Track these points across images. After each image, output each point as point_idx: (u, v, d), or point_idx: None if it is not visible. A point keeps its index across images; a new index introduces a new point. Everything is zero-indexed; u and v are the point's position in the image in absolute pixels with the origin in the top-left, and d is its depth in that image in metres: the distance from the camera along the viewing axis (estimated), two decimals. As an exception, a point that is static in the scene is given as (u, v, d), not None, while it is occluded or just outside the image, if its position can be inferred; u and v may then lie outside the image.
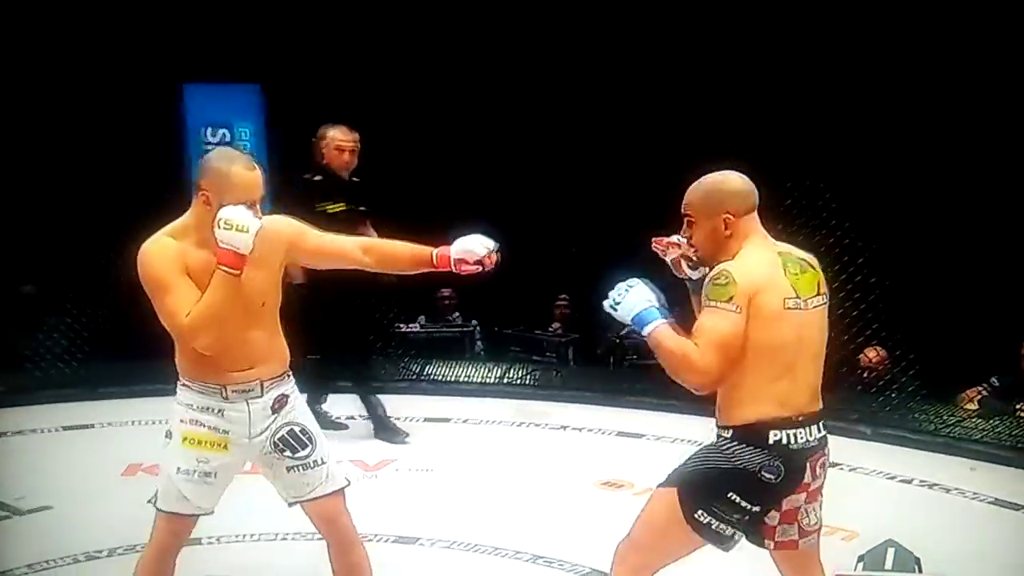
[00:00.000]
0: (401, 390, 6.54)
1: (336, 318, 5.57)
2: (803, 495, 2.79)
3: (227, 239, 2.78)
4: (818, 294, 2.80)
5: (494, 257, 3.04)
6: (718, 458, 2.76)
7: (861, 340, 6.16)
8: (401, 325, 6.57)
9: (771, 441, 2.70)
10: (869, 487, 5.05)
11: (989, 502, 4.84)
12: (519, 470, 5.23)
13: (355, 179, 5.54)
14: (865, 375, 6.24)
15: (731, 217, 2.77)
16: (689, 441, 5.33)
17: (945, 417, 5.89)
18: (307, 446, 3.11)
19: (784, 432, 2.71)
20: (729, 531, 2.77)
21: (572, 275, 7.69)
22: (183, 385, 2.99)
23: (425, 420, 6.16)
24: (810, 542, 2.87)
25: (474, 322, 8.04)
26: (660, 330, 2.72)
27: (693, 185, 2.85)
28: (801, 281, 2.78)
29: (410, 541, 4.35)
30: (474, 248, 3.03)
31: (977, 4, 6.32)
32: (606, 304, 2.83)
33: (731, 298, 2.65)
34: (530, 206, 7.54)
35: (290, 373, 3.12)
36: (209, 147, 6.76)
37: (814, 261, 2.87)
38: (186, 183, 6.64)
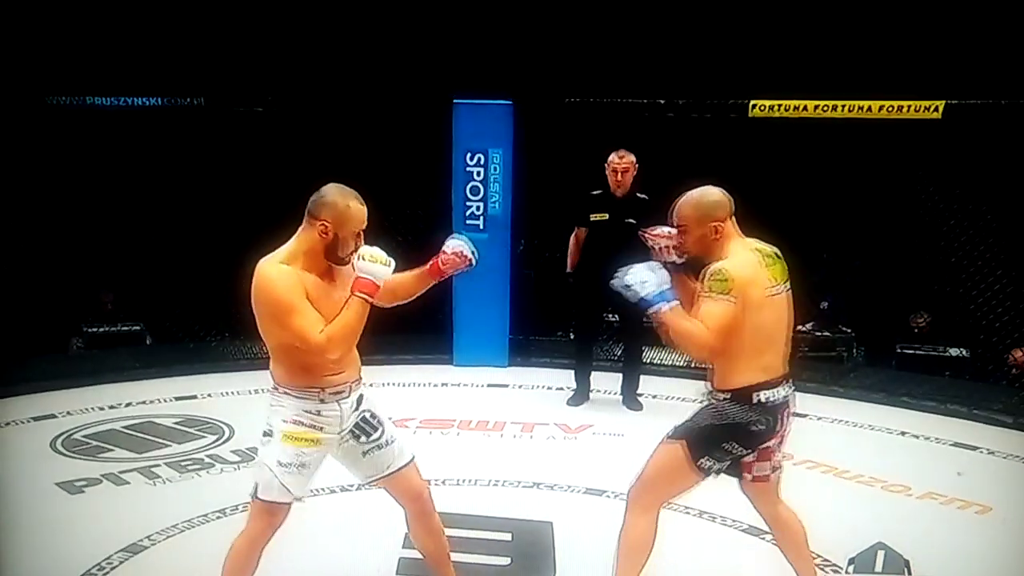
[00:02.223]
0: (604, 368, 6.92)
1: (587, 306, 6.57)
2: (776, 440, 3.29)
3: (371, 271, 3.00)
4: (786, 280, 3.23)
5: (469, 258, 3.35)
6: (717, 416, 3.22)
7: (1009, 342, 6.51)
8: (607, 315, 7.27)
9: (756, 401, 3.17)
10: (1005, 469, 5.50)
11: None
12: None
13: (640, 196, 6.22)
14: (1012, 372, 6.59)
15: (719, 224, 3.19)
16: (832, 419, 6.03)
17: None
18: (378, 428, 3.29)
19: (765, 392, 3.18)
20: (718, 468, 3.28)
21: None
22: (283, 392, 3.14)
23: (620, 393, 6.52)
24: (776, 476, 3.40)
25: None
26: (676, 310, 3.14)
27: (682, 199, 3.25)
28: (774, 270, 3.20)
29: (598, 493, 4.88)
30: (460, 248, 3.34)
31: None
32: (629, 281, 3.18)
33: (729, 291, 3.07)
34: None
35: (362, 376, 3.31)
36: (468, 171, 7.28)
37: (779, 252, 3.27)
38: (449, 202, 7.21)
